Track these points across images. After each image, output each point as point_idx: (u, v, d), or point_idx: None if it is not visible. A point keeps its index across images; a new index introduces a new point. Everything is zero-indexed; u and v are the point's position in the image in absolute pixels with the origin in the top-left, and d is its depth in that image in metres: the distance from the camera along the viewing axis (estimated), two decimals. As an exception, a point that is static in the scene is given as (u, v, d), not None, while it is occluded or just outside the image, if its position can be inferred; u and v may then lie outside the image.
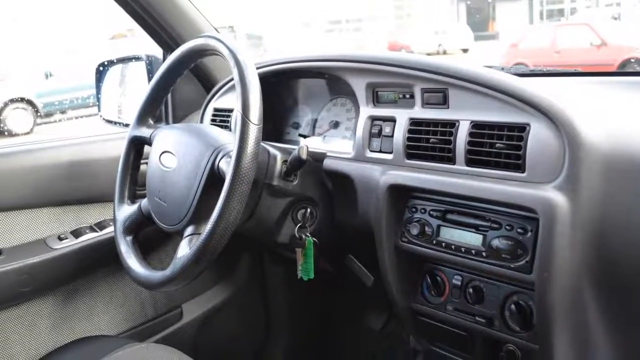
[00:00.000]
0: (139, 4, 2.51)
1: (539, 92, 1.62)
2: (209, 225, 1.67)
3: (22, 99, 14.39)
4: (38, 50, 19.04)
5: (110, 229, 2.42)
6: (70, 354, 2.18)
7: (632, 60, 14.18)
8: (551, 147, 1.55)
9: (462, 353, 1.92)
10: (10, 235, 2.28)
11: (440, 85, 1.84)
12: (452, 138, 1.77)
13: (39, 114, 14.63)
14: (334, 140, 2.34)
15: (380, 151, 2.00)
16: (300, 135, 2.47)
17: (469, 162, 1.73)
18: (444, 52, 27.84)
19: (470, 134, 1.73)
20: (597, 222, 1.51)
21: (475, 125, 1.72)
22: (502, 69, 2.24)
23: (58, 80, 15.75)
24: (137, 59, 2.90)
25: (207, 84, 2.77)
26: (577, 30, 16.56)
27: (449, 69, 1.82)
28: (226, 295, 2.85)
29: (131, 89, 3.05)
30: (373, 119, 2.04)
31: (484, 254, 1.68)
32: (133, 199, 2.18)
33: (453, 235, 1.78)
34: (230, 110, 2.48)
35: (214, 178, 1.83)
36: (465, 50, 28.66)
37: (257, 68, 2.01)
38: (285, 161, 1.98)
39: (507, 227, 1.63)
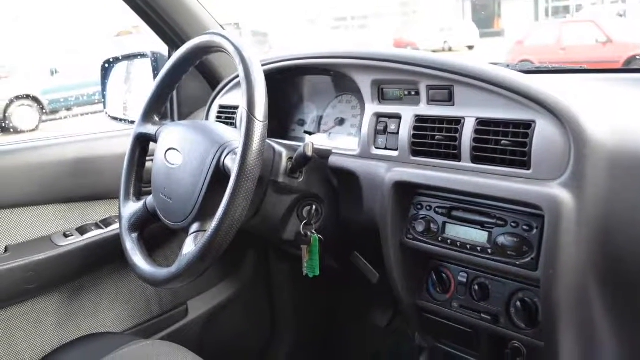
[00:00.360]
0: (145, 1, 2.51)
1: (544, 89, 1.62)
2: (214, 223, 1.67)
3: (27, 96, 14.41)
4: (41, 49, 19.05)
5: (116, 226, 2.42)
6: (76, 351, 2.18)
7: (638, 57, 14.17)
8: (557, 144, 1.55)
9: (467, 350, 1.91)
10: (16, 232, 2.28)
11: (446, 82, 1.84)
12: (457, 135, 1.77)
13: (44, 111, 14.65)
14: (339, 137, 2.34)
15: (386, 148, 2.00)
16: (306, 132, 2.47)
17: (475, 159, 1.73)
18: (450, 49, 27.79)
19: (476, 131, 1.73)
20: (603, 219, 1.50)
21: (481, 122, 1.72)
22: (508, 66, 2.23)
23: (64, 77, 15.76)
24: (143, 56, 2.90)
25: (213, 81, 2.76)
26: (582, 27, 16.52)
27: (454, 66, 1.82)
28: (231, 292, 2.85)
29: (136, 86, 3.06)
30: (378, 116, 2.04)
31: (489, 251, 1.67)
32: (138, 196, 2.18)
33: (458, 232, 1.77)
34: (236, 108, 2.49)
35: (220, 175, 1.83)
36: (470, 47, 28.62)
37: (263, 65, 2.01)
38: (290, 158, 1.98)
39: (513, 224, 1.63)
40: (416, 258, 1.93)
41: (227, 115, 2.55)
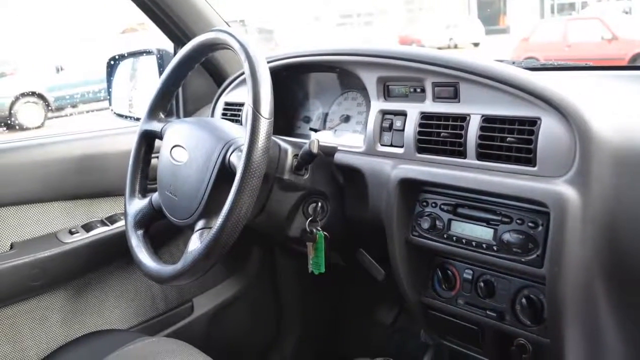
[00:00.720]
0: (150, -2, 2.52)
1: (550, 86, 1.61)
2: (219, 220, 1.68)
3: (33, 93, 14.42)
4: (49, 42, 19.08)
5: (121, 223, 2.42)
6: (81, 348, 2.18)
7: (644, 54, 14.18)
8: (562, 141, 1.55)
9: (472, 347, 1.91)
10: (22, 229, 2.29)
11: (451, 79, 1.84)
12: (463, 132, 1.77)
13: (50, 108, 14.66)
14: (344, 134, 2.34)
15: (391, 145, 2.00)
16: (311, 129, 2.46)
17: (480, 156, 1.73)
18: (455, 46, 27.82)
19: (481, 128, 1.72)
20: (608, 216, 1.50)
21: (486, 119, 1.72)
22: (513, 62, 2.23)
23: (69, 74, 15.77)
24: (148, 52, 2.90)
25: (218, 78, 2.77)
26: (588, 24, 16.52)
27: (460, 63, 1.82)
28: (237, 289, 2.86)
29: (142, 83, 3.06)
30: (384, 113, 2.04)
31: (494, 248, 1.67)
32: (144, 193, 2.19)
33: (464, 229, 1.77)
34: (241, 104, 2.49)
35: (225, 172, 1.83)
36: (476, 44, 28.64)
37: (268, 62, 2.01)
38: (296, 155, 1.98)
39: (518, 221, 1.63)
40: (421, 255, 1.93)
41: (232, 112, 2.55)
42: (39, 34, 19.87)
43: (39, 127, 14.03)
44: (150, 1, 2.51)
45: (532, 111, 1.63)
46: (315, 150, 1.89)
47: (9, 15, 20.21)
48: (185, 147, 1.98)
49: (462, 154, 1.78)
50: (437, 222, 1.83)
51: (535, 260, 1.57)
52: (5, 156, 2.30)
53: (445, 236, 1.82)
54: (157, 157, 2.12)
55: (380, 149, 2.03)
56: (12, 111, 14.10)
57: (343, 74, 2.27)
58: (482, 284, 1.77)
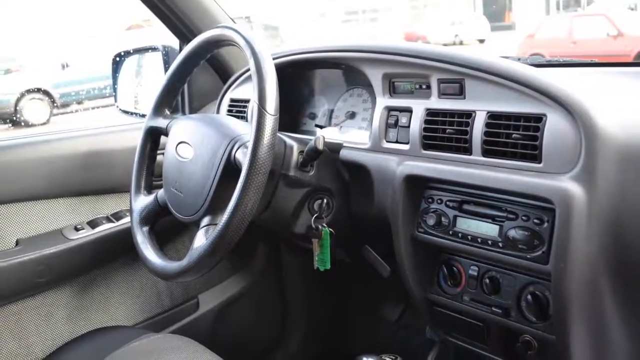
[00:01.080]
0: (156, -6, 2.52)
1: (555, 82, 1.61)
2: (225, 216, 1.68)
3: (38, 90, 14.46)
4: (54, 39, 19.11)
5: (127, 219, 2.43)
6: (87, 344, 2.19)
7: (649, 50, 14.15)
8: (567, 137, 1.54)
9: (478, 343, 1.91)
10: (27, 225, 2.29)
11: (457, 76, 1.84)
12: (468, 128, 1.77)
13: (55, 104, 14.68)
14: (350, 130, 2.34)
15: (397, 142, 2.00)
16: (317, 125, 2.46)
17: (486, 153, 1.73)
18: (461, 43, 27.80)
19: (487, 125, 1.72)
20: (613, 212, 1.50)
21: (492, 115, 1.72)
22: (519, 59, 2.23)
23: (74, 70, 15.79)
24: (154, 49, 2.91)
25: (224, 74, 2.77)
26: (593, 20, 16.50)
27: (465, 59, 1.81)
28: (242, 286, 2.86)
29: (148, 80, 3.06)
30: (389, 109, 2.04)
31: (500, 244, 1.67)
32: (149, 189, 2.19)
33: (469, 225, 1.77)
34: (247, 101, 2.49)
35: (231, 169, 1.83)
36: (481, 41, 28.62)
37: (274, 58, 2.01)
38: (301, 152, 1.98)
39: (524, 217, 1.63)
40: (427, 251, 1.93)
41: (238, 108, 2.55)
42: (44, 30, 19.88)
43: (44, 123, 14.05)
44: (156, -2, 2.52)
45: (537, 108, 1.63)
46: (320, 146, 1.89)
47: (14, 12, 20.22)
48: (191, 143, 1.98)
49: (468, 151, 1.78)
50: (443, 219, 1.83)
51: (540, 256, 1.57)
52: (10, 153, 2.31)
53: (450, 233, 1.82)
54: (163, 154, 2.12)
55: (386, 145, 2.03)
56: (17, 108, 14.13)
57: (348, 70, 2.27)
58: (487, 281, 1.76)
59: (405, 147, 1.95)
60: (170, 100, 2.21)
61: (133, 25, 20.37)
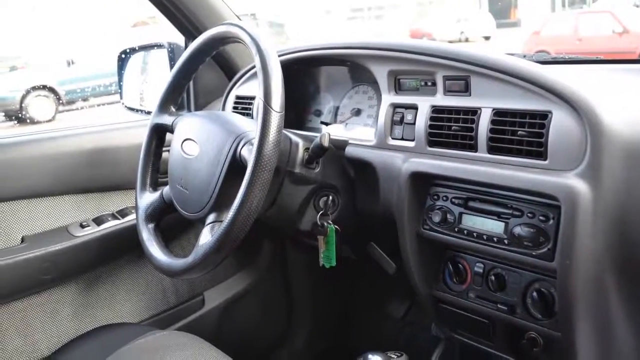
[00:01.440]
0: (161, -9, 2.52)
1: (561, 79, 1.61)
2: (230, 213, 1.68)
3: (44, 87, 14.48)
4: (60, 36, 19.12)
5: (132, 216, 2.43)
6: (92, 341, 2.19)
7: (655, 47, 14.14)
8: (573, 134, 1.54)
9: (483, 340, 1.91)
10: (33, 222, 2.30)
11: (462, 73, 1.84)
12: (474, 125, 1.77)
13: (61, 101, 14.70)
14: (355, 127, 2.34)
15: (402, 139, 2.00)
16: (322, 122, 2.46)
17: (491, 150, 1.73)
18: (466, 40, 27.80)
19: (492, 122, 1.72)
20: (619, 209, 1.50)
21: (497, 112, 1.72)
22: (524, 56, 2.22)
23: (80, 67, 15.81)
24: (159, 46, 2.91)
25: (229, 71, 2.77)
26: (599, 17, 16.49)
27: (470, 56, 1.81)
28: (248, 283, 2.86)
29: (153, 77, 3.07)
30: (395, 106, 2.04)
31: (505, 241, 1.67)
32: (155, 186, 2.19)
33: (475, 222, 1.77)
34: (252, 98, 2.49)
35: (236, 166, 1.83)
36: (487, 38, 28.62)
37: (279, 55, 2.01)
38: (307, 149, 1.98)
39: (529, 214, 1.63)
40: (432, 248, 1.93)
41: (243, 105, 2.55)
42: (50, 27, 19.90)
43: (50, 120, 14.08)
44: (161, -5, 2.52)
45: (543, 104, 1.62)
46: (326, 143, 1.89)
47: (20, 9, 20.25)
48: (196, 140, 1.98)
49: (473, 148, 1.77)
50: (448, 216, 1.83)
51: (546, 253, 1.57)
52: (16, 150, 2.31)
53: (456, 230, 1.81)
54: (168, 151, 2.12)
55: (391, 142, 2.02)
56: (23, 105, 14.16)
57: (354, 67, 2.27)
58: (493, 278, 1.76)
59: (411, 144, 1.95)
60: (176, 97, 2.21)
61: (139, 22, 20.41)
